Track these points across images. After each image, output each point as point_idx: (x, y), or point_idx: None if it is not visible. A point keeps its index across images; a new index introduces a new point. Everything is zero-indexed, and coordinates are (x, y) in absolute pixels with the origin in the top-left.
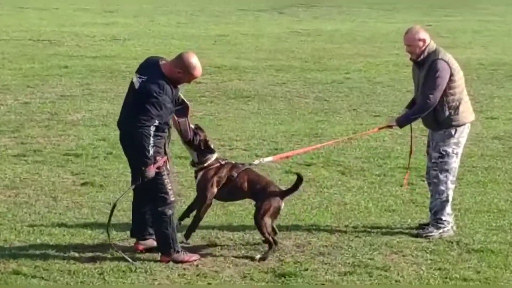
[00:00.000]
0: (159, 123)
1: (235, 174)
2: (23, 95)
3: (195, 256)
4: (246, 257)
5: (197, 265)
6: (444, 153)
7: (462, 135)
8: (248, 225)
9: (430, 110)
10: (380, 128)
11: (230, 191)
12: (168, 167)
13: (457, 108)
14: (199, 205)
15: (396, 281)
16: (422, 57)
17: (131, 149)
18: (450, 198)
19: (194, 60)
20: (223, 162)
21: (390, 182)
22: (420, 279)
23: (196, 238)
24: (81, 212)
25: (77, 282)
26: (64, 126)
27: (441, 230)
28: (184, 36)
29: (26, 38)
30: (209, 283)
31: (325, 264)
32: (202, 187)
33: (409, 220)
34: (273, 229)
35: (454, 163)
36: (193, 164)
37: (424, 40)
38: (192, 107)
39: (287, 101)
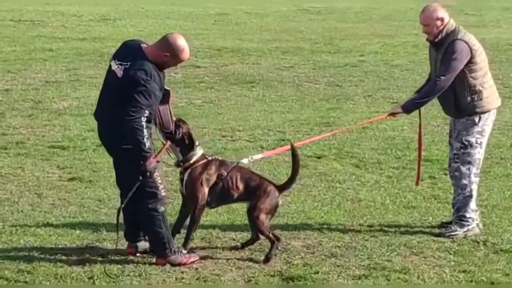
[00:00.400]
0: (150, 113)
1: (224, 173)
2: (4, 81)
3: (193, 257)
4: (250, 259)
5: (196, 268)
6: (466, 143)
7: (486, 123)
8: None
9: (440, 92)
10: (382, 117)
11: (221, 193)
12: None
13: (480, 93)
14: (192, 209)
15: (416, 285)
16: (440, 37)
17: (115, 143)
18: (474, 193)
19: (182, 41)
20: (210, 158)
21: (409, 176)
22: (443, 283)
23: (195, 239)
24: (68, 210)
25: (64, 287)
26: (49, 115)
27: (465, 229)
28: (181, 15)
29: (6, 18)
30: None
31: (338, 266)
32: (191, 188)
33: (431, 218)
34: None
35: (478, 154)
36: (177, 164)
37: (442, 19)
38: (174, 93)
39: (295, 86)
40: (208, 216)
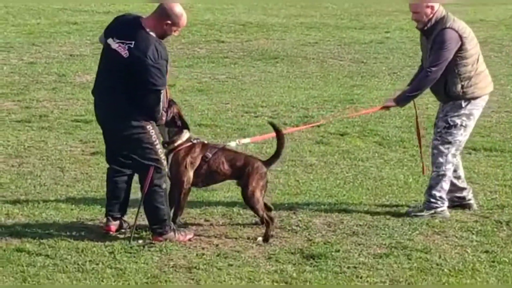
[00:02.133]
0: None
1: (209, 155)
2: (28, 54)
3: (190, 234)
4: (271, 236)
5: (217, 245)
6: (451, 123)
7: (476, 107)
8: (274, 201)
9: (432, 84)
10: (376, 109)
11: (207, 174)
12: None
13: (470, 80)
14: (177, 192)
15: (437, 264)
16: (429, 25)
17: (116, 123)
18: (449, 173)
19: (180, 8)
20: (194, 141)
21: None
22: (465, 263)
23: (216, 215)
24: (90, 185)
25: (85, 261)
26: (72, 89)
27: (432, 211)
28: None
29: None
30: (230, 264)
31: (359, 245)
32: (175, 171)
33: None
34: (266, 206)
35: (461, 136)
36: (163, 144)
37: (432, 7)
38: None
39: (320, 63)
40: (229, 192)
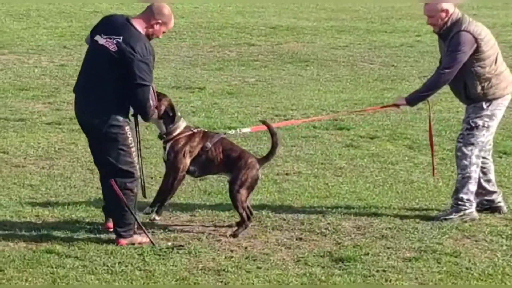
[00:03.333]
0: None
1: (209, 145)
2: (60, 57)
3: (146, 238)
4: (300, 239)
5: (246, 247)
6: (473, 124)
7: (498, 108)
8: (304, 204)
9: (444, 85)
10: (384, 107)
11: (204, 163)
12: (133, 137)
13: (489, 81)
14: (170, 178)
15: (467, 268)
16: (444, 28)
17: (99, 119)
18: (474, 175)
19: (169, 9)
20: (194, 130)
21: None
22: (494, 267)
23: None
24: None
25: (114, 263)
26: None
27: (461, 213)
28: None
29: None
30: (258, 267)
31: (388, 248)
32: (172, 158)
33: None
34: (248, 208)
35: (483, 136)
36: (160, 136)
37: (447, 11)
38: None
39: (350, 66)
40: (259, 195)
